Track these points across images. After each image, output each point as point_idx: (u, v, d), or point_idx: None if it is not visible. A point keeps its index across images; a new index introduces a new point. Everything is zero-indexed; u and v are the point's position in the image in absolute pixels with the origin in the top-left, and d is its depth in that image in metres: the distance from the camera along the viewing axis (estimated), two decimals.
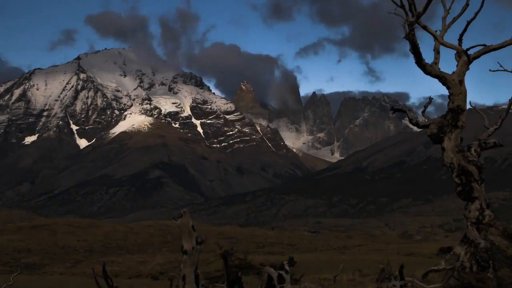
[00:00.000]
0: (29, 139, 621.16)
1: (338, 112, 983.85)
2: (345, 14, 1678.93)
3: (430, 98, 12.09)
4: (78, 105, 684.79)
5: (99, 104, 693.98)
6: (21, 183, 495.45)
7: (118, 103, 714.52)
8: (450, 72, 11.46)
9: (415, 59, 11.24)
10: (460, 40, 11.57)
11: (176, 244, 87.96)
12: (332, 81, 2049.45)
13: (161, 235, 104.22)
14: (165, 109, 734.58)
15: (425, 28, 11.42)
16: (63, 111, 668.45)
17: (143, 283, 37.58)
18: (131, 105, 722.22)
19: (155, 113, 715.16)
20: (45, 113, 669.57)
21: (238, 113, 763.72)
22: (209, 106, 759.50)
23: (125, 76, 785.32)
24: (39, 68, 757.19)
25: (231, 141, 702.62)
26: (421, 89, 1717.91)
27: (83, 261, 72.87)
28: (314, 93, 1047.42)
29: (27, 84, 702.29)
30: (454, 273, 10.18)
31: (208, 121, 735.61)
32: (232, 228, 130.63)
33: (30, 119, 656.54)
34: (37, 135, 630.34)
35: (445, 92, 11.56)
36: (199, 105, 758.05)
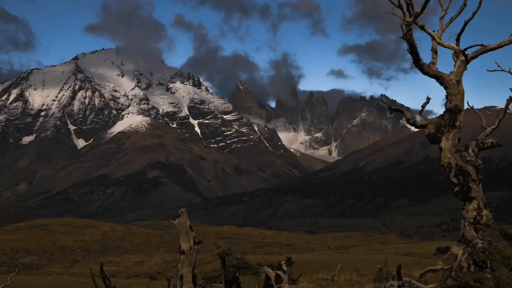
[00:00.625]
0: (26, 139, 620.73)
1: (336, 112, 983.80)
2: None
3: (428, 98, 12.09)
4: (76, 105, 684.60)
5: (96, 104, 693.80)
6: (18, 183, 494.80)
7: (115, 103, 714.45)
8: (447, 72, 11.47)
9: (413, 59, 11.23)
10: (457, 40, 11.57)
11: (174, 244, 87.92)
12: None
13: (159, 235, 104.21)
14: (163, 109, 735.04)
15: (422, 28, 11.42)
16: (61, 111, 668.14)
17: (141, 283, 37.53)
18: (129, 105, 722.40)
19: (153, 113, 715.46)
20: (42, 113, 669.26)
21: (236, 113, 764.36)
22: (207, 106, 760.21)
23: (122, 76, 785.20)
24: (36, 68, 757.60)
25: (228, 141, 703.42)
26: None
27: (81, 261, 72.85)
28: (311, 93, 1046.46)
29: (25, 84, 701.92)
30: (451, 273, 10.17)
31: (206, 121, 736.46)
32: (230, 228, 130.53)
33: (28, 119, 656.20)
34: (34, 135, 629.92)
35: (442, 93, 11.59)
36: (197, 105, 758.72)
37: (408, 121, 11.85)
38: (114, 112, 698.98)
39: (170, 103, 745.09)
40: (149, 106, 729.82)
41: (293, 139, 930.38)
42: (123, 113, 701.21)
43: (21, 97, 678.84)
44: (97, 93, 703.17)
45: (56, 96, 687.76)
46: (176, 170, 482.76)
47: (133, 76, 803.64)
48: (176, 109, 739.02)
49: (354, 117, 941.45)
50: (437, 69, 11.49)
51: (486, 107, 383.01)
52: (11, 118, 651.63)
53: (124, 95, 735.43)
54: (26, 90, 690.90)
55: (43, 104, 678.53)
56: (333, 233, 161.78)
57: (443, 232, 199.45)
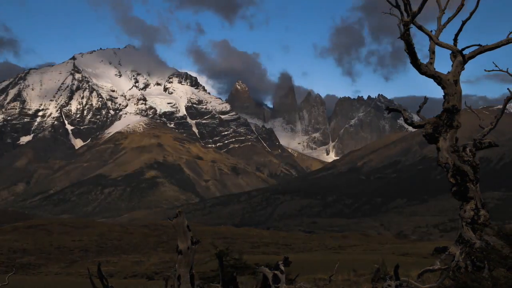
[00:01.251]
0: (24, 139, 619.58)
1: (333, 112, 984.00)
2: None
3: (426, 98, 12.10)
4: (73, 105, 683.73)
5: (94, 104, 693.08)
6: (16, 183, 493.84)
7: (113, 103, 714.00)
8: (445, 72, 11.47)
9: (410, 59, 11.23)
10: (455, 40, 11.58)
11: (171, 244, 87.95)
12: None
13: (156, 235, 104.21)
14: (160, 109, 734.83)
15: (420, 28, 11.42)
16: (58, 111, 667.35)
17: (138, 283, 37.48)
18: (126, 105, 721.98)
19: (150, 113, 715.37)
20: (40, 113, 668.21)
21: (233, 113, 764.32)
22: (204, 106, 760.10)
23: (120, 76, 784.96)
24: (34, 68, 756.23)
25: (226, 141, 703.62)
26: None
27: (78, 261, 72.75)
28: (309, 93, 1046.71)
29: (22, 84, 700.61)
30: (449, 273, 10.18)
31: (203, 121, 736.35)
32: (227, 228, 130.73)
33: (25, 119, 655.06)
34: (32, 135, 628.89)
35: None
36: (194, 105, 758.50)
37: (405, 121, 11.85)
38: (111, 112, 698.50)
39: (168, 103, 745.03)
40: (147, 106, 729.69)
41: (291, 139, 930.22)
42: (120, 113, 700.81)
43: (18, 97, 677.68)
44: (94, 93, 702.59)
45: (54, 96, 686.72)
46: (174, 170, 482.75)
47: (130, 76, 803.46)
48: (174, 109, 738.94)
49: (352, 117, 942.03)
50: (434, 69, 11.49)
51: (483, 107, 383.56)
52: (9, 118, 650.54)
53: (121, 95, 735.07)
54: (24, 90, 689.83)
55: (41, 104, 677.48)
56: (330, 233, 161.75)
57: (440, 232, 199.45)
